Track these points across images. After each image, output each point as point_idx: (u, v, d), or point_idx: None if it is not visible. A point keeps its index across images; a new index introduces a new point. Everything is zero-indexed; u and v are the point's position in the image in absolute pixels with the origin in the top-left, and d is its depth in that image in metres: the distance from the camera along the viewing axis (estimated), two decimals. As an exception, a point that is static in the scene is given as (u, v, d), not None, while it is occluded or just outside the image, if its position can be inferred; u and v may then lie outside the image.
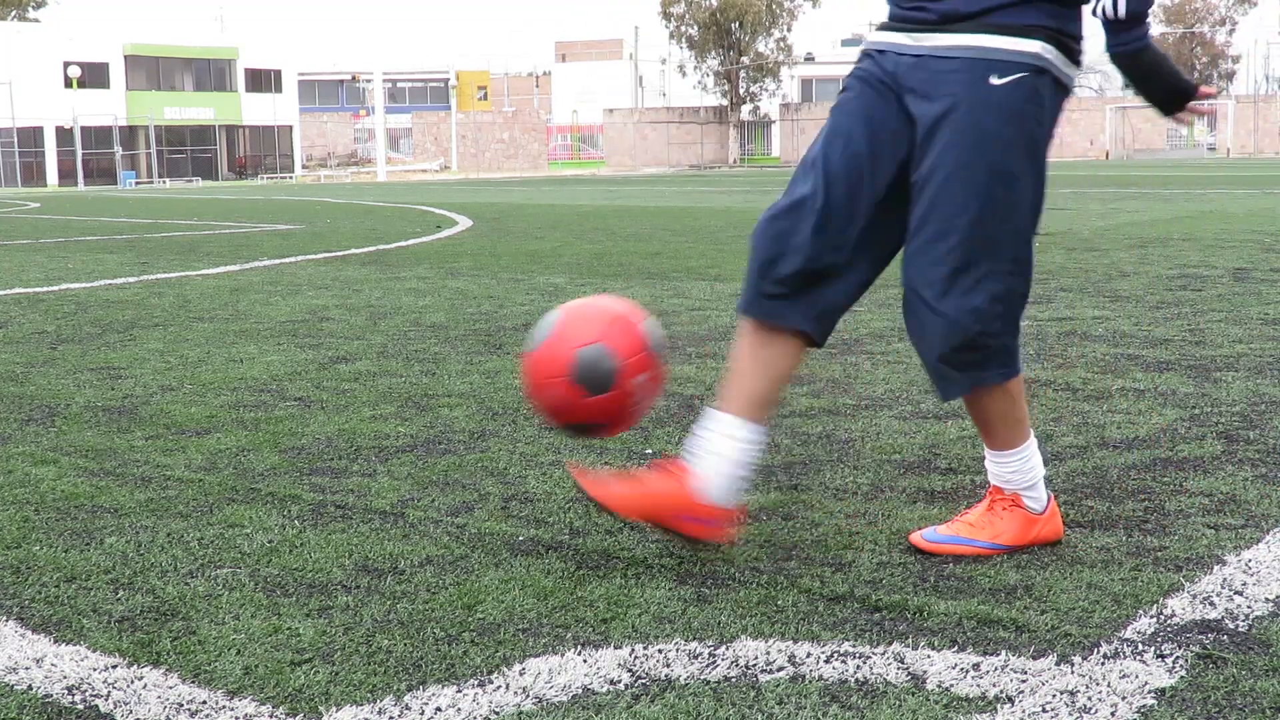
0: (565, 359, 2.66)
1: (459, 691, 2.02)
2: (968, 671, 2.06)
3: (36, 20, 65.51)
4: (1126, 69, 2.57)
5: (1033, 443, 2.72)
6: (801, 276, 2.58)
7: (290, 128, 63.12)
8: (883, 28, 2.67)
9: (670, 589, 2.46)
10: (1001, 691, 1.99)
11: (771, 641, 2.20)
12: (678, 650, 2.17)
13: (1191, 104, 2.60)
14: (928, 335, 2.56)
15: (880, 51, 2.62)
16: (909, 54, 2.56)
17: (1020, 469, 2.69)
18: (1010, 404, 2.65)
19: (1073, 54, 2.55)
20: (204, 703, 2.00)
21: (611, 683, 2.05)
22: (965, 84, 2.49)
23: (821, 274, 2.58)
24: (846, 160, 2.57)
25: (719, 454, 2.60)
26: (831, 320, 2.65)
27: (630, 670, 2.09)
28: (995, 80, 2.48)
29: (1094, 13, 2.51)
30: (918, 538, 2.67)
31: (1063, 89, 2.57)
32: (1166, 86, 2.58)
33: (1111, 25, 2.50)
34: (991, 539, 2.64)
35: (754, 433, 2.63)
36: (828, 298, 2.61)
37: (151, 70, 58.29)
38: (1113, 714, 1.90)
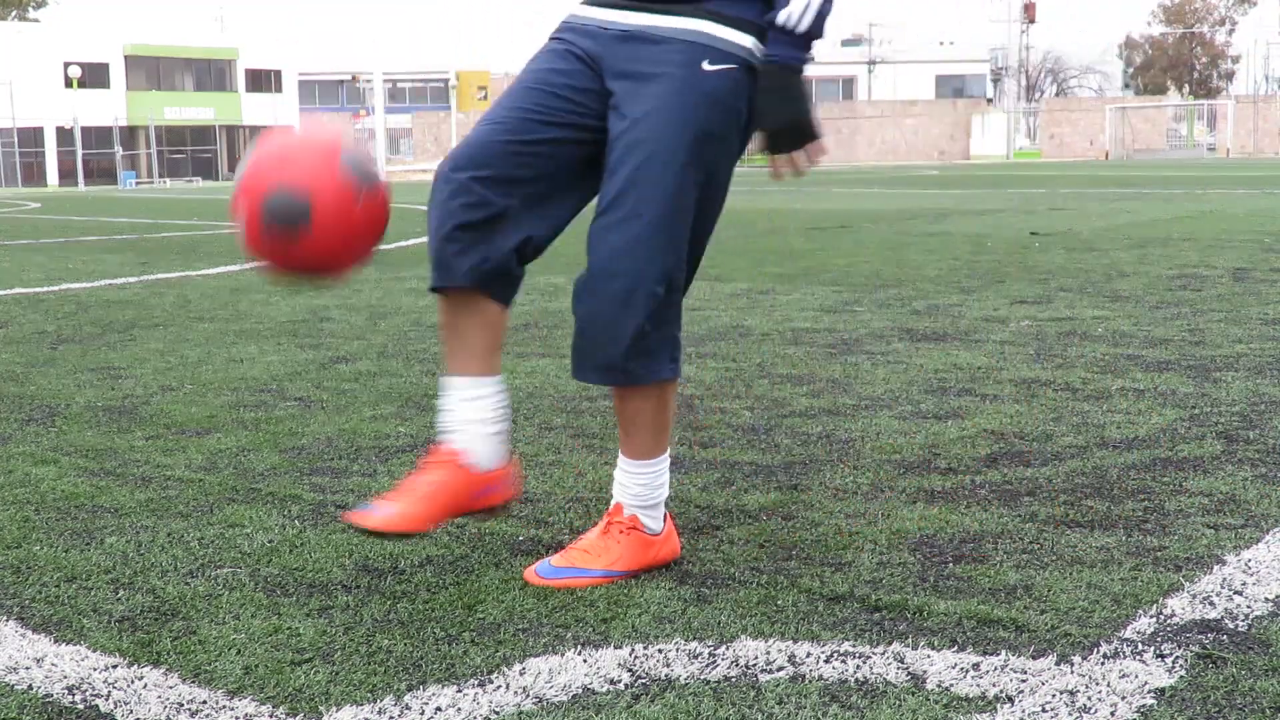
0: (255, 207, 2.43)
1: (459, 691, 2.02)
2: (968, 671, 2.06)
3: (36, 20, 65.54)
4: (773, 82, 2.43)
5: (666, 458, 2.64)
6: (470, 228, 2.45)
7: (290, 128, 63.14)
8: (587, 1, 2.56)
9: (670, 589, 2.46)
10: (1001, 691, 1.99)
11: (771, 641, 2.20)
12: (678, 650, 2.17)
13: (808, 148, 2.44)
14: (604, 316, 2.43)
15: (582, 26, 2.52)
16: (615, 29, 2.47)
17: (650, 484, 2.59)
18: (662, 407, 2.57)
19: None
20: (204, 703, 2.00)
21: (611, 683, 2.05)
22: (679, 64, 2.41)
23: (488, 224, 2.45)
24: (515, 115, 2.48)
25: (471, 420, 2.53)
26: (503, 276, 2.50)
27: (630, 670, 2.09)
28: (708, 66, 2.41)
29: (773, 20, 2.41)
30: (531, 574, 2.51)
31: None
32: (794, 116, 2.43)
33: (786, 36, 2.40)
34: (607, 566, 2.51)
35: (492, 385, 2.55)
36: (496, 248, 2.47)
37: (152, 70, 58.32)
38: (1113, 714, 1.90)
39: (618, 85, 2.46)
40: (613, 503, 2.63)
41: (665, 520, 2.64)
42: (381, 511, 2.46)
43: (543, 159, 2.48)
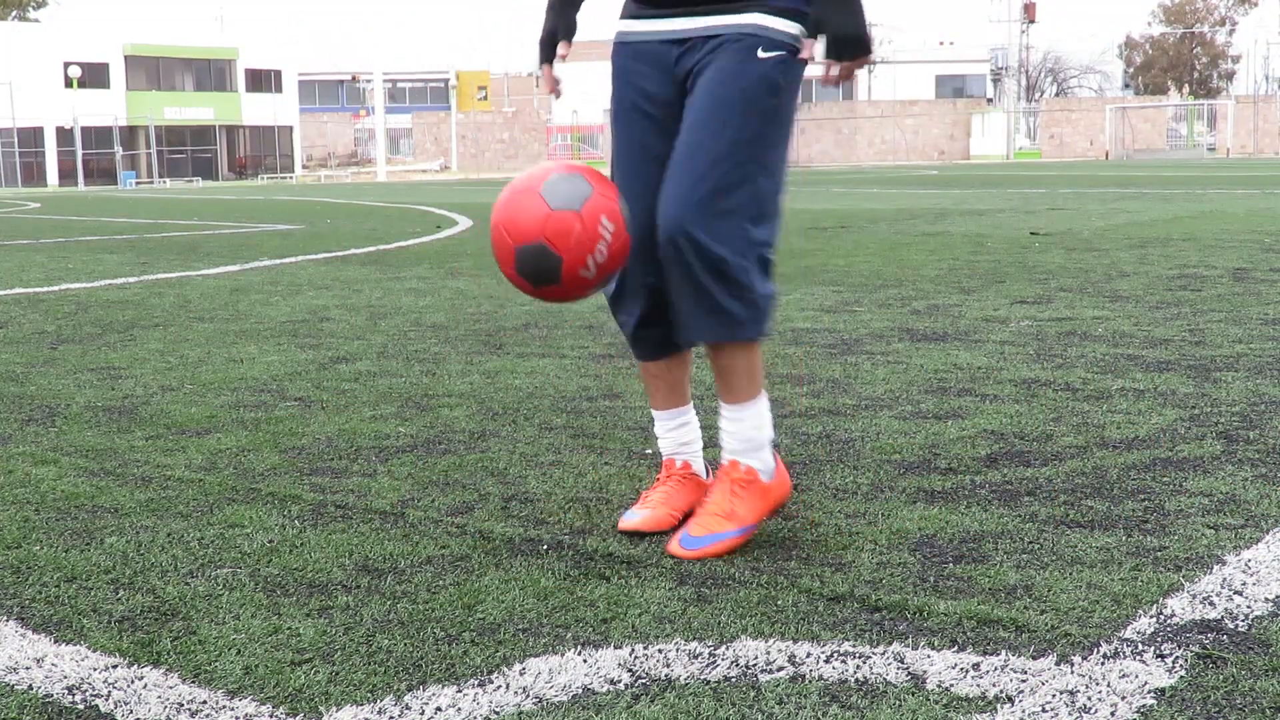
0: (509, 249, 2.59)
1: (459, 691, 2.02)
2: (968, 671, 2.06)
3: (36, 20, 65.54)
4: None
5: (765, 398, 2.82)
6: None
7: (290, 128, 63.14)
8: (639, 15, 2.80)
9: (670, 589, 2.46)
10: (1001, 691, 1.99)
11: (771, 641, 2.20)
12: (678, 650, 2.17)
13: (860, 59, 2.65)
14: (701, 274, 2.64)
15: (641, 44, 2.78)
16: (673, 37, 2.73)
17: (756, 424, 2.77)
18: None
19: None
20: (204, 703, 2.00)
21: (611, 683, 2.05)
22: (736, 50, 2.66)
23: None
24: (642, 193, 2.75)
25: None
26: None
27: (630, 670, 2.09)
28: (762, 54, 2.65)
29: None
30: (676, 548, 2.65)
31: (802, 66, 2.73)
32: (854, 29, 2.63)
33: None
34: (741, 524, 2.69)
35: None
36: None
37: (151, 70, 58.31)
38: (1113, 714, 1.90)
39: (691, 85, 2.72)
40: (725, 459, 2.78)
41: (775, 459, 2.81)
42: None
43: None
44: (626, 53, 2.83)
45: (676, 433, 2.93)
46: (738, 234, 2.61)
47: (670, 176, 2.67)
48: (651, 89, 2.77)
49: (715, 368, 2.76)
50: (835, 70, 2.65)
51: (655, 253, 2.68)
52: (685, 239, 2.59)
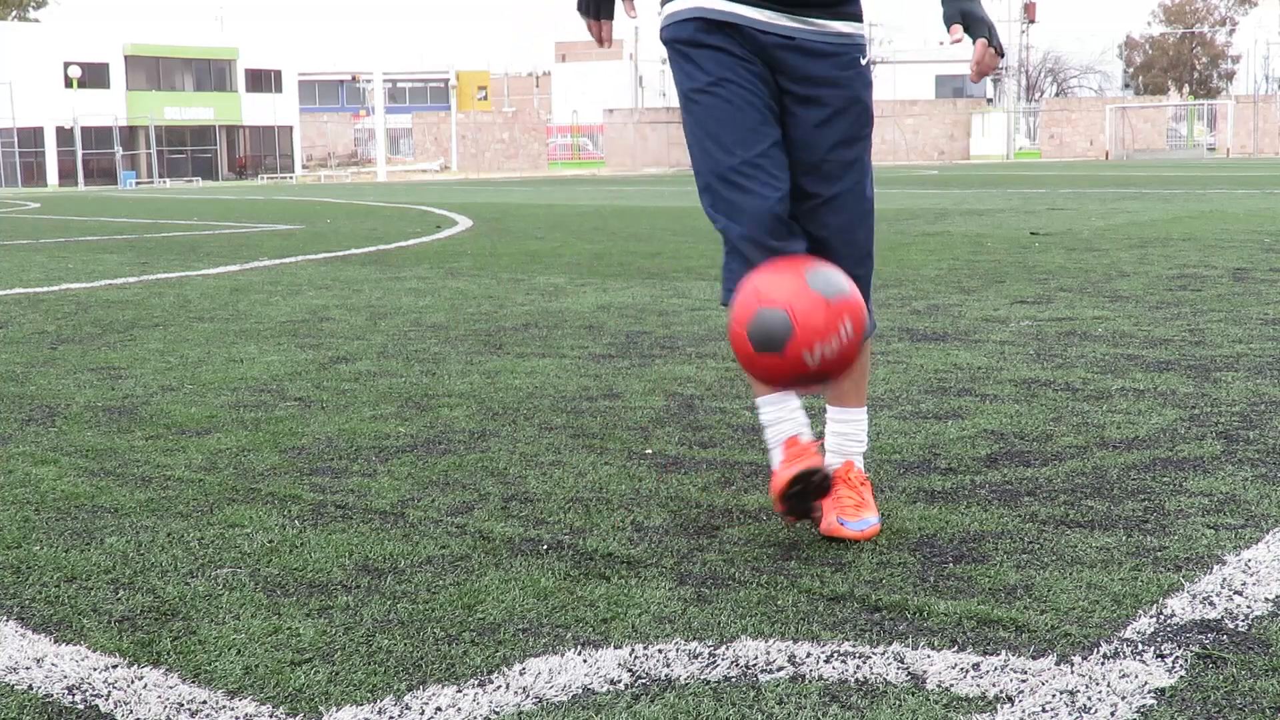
0: (752, 310, 2.64)
1: (459, 691, 2.02)
2: (968, 671, 2.06)
3: (36, 20, 65.55)
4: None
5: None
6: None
7: (290, 128, 63.12)
8: None
9: (670, 589, 2.46)
10: (1001, 691, 1.99)
11: (771, 641, 2.20)
12: (678, 650, 2.17)
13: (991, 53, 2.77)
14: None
15: (735, 21, 2.76)
16: (775, 32, 2.75)
17: (866, 425, 2.99)
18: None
19: None
20: (204, 703, 2.00)
21: (611, 683, 2.05)
22: (851, 73, 2.78)
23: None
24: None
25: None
26: None
27: (630, 670, 2.09)
28: (863, 61, 2.82)
29: None
30: (837, 528, 2.75)
31: None
32: (990, 25, 2.77)
33: None
34: (877, 513, 2.84)
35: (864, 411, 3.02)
36: None
37: (151, 70, 58.28)
38: (1113, 714, 1.90)
39: (796, 88, 2.78)
40: (840, 462, 2.91)
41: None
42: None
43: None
44: (697, 25, 2.79)
45: (798, 411, 2.89)
46: (869, 256, 2.88)
47: (828, 243, 2.80)
48: (740, 53, 2.77)
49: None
50: (986, 55, 2.71)
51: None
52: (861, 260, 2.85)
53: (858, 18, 2.83)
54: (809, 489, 2.65)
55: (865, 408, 2.98)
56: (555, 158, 72.40)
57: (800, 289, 2.58)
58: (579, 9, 2.90)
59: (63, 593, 2.49)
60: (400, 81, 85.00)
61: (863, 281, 2.80)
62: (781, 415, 2.84)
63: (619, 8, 2.89)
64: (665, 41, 2.85)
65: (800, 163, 2.78)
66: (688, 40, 2.78)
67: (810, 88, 2.76)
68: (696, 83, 2.77)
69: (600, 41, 2.96)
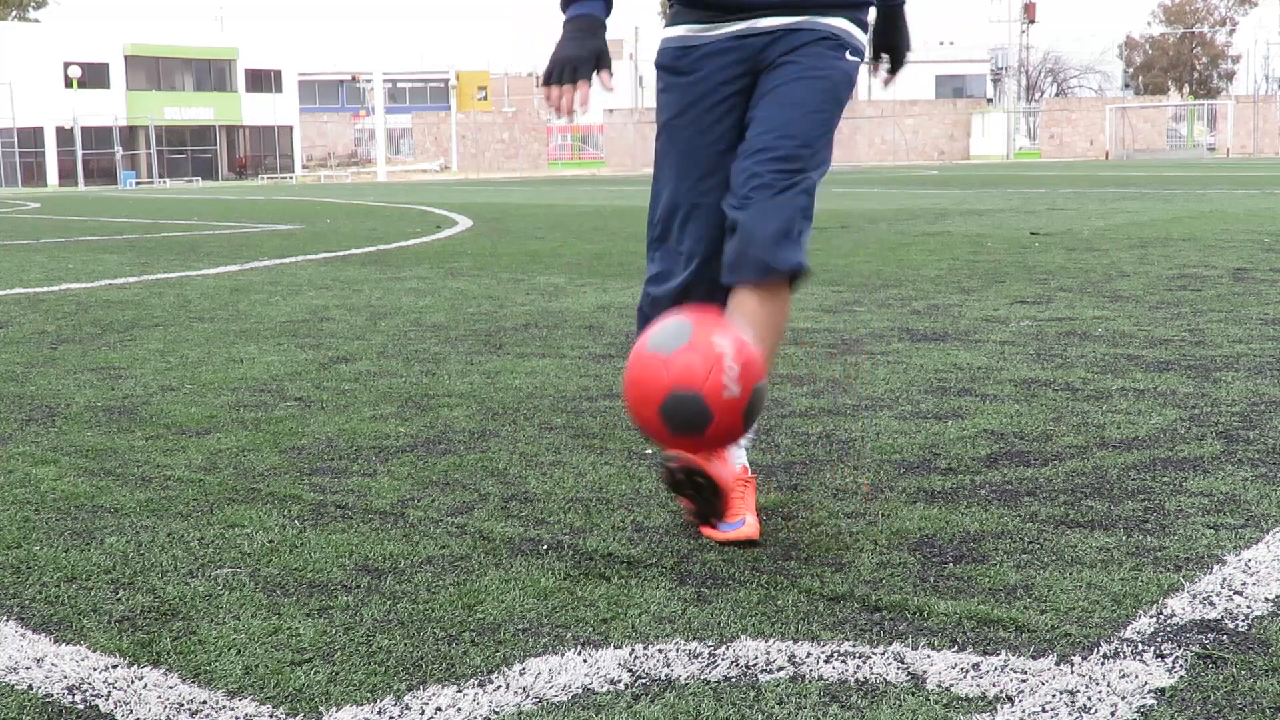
0: (655, 418, 2.55)
1: (459, 691, 2.02)
2: (968, 671, 2.06)
3: (36, 20, 65.55)
4: (902, 18, 3.08)
5: None
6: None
7: (290, 128, 63.11)
8: (704, 18, 2.84)
9: (670, 589, 2.46)
10: (1001, 691, 1.99)
11: (771, 641, 2.20)
12: (678, 650, 2.17)
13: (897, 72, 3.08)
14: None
15: (740, 37, 2.81)
16: (758, 32, 2.79)
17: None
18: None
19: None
20: (204, 703, 2.00)
21: (611, 683, 2.05)
22: (825, 46, 2.80)
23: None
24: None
25: None
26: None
27: (630, 670, 2.09)
28: (850, 56, 2.83)
29: None
30: (711, 532, 2.73)
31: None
32: (905, 45, 3.09)
33: None
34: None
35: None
36: None
37: (151, 70, 58.27)
38: (1113, 714, 1.90)
39: (778, 59, 2.80)
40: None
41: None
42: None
43: None
44: (693, 55, 2.84)
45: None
46: (811, 193, 2.77)
47: (764, 117, 2.76)
48: (727, 78, 2.82)
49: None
50: (892, 79, 3.09)
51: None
52: (794, 156, 2.72)
53: (858, 20, 2.85)
54: (699, 490, 2.59)
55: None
56: (555, 158, 72.38)
57: (661, 362, 2.52)
58: (550, 81, 2.68)
59: (63, 593, 2.49)
60: (400, 81, 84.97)
61: (793, 162, 2.71)
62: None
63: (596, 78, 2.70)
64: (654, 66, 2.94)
65: (756, 103, 2.80)
66: (664, 67, 2.91)
67: (791, 56, 2.78)
68: (659, 118, 2.92)
69: (576, 110, 2.70)
